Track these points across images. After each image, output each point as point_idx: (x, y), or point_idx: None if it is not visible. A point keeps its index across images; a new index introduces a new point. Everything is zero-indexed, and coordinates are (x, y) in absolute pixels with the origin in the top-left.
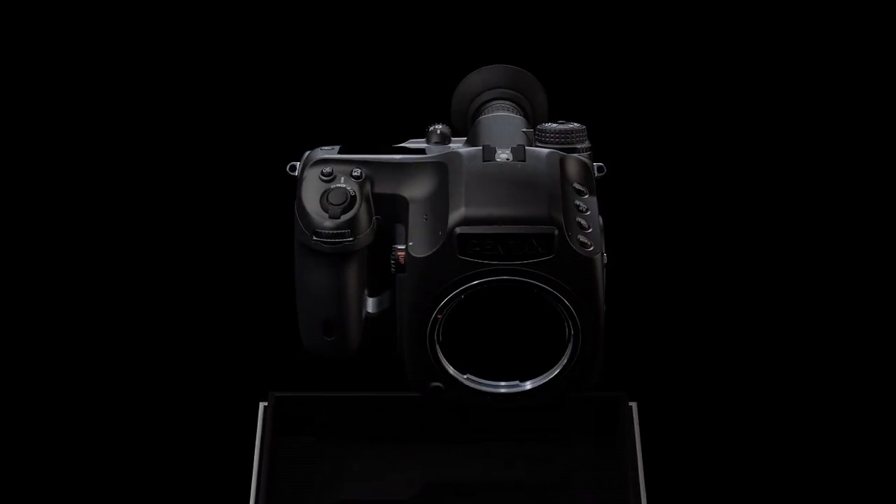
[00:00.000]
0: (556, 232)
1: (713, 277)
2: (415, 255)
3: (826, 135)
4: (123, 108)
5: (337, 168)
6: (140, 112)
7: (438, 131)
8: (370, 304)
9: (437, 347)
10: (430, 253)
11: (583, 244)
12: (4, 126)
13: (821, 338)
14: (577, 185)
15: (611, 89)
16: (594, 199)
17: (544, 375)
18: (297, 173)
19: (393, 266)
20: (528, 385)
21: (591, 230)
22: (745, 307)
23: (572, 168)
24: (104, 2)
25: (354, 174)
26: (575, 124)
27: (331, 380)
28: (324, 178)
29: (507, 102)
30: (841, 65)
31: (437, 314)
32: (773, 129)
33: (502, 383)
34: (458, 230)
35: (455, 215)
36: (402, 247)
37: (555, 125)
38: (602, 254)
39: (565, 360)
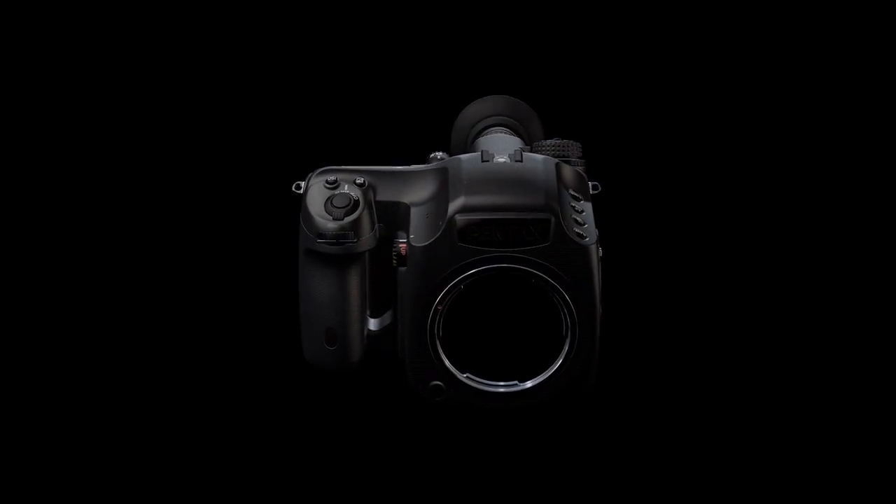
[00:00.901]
0: (553, 219)
1: (706, 295)
2: (415, 244)
3: (812, 154)
4: (129, 122)
5: (341, 177)
6: (146, 131)
7: (439, 157)
8: (372, 324)
9: (438, 343)
10: (430, 241)
11: (579, 235)
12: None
13: (815, 351)
14: (572, 192)
15: (607, 116)
16: (589, 206)
17: (543, 374)
18: (301, 190)
19: (395, 259)
20: (528, 384)
21: (586, 226)
22: (742, 320)
23: (568, 175)
24: (114, 15)
25: (358, 181)
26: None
27: (332, 393)
28: (328, 185)
29: (504, 128)
30: (823, 84)
31: (437, 305)
32: (756, 152)
33: (501, 383)
34: (457, 217)
35: (455, 205)
36: (404, 240)
37: (551, 140)
38: (598, 246)
39: (563, 357)
